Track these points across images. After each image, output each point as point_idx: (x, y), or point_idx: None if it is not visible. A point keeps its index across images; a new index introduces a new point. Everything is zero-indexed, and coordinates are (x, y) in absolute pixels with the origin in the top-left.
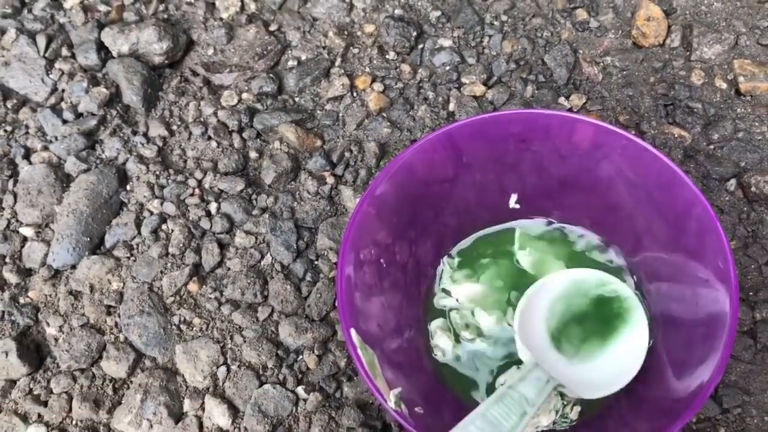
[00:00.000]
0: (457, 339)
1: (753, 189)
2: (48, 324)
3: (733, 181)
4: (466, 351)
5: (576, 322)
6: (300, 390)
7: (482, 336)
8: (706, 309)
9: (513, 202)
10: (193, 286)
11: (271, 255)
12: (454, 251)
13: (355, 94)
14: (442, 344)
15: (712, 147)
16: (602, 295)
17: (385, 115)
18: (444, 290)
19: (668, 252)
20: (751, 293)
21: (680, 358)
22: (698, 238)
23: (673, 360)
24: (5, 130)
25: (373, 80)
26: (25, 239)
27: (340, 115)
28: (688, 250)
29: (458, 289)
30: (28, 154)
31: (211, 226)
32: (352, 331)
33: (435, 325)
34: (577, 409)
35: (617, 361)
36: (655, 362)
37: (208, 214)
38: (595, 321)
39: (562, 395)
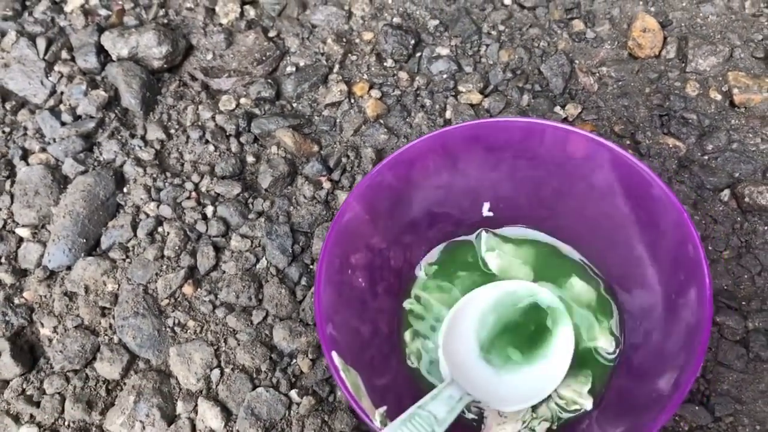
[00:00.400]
0: (425, 347)
1: (746, 200)
2: (42, 325)
3: (726, 192)
4: (431, 360)
5: (506, 333)
6: (293, 394)
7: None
8: (682, 309)
9: (486, 210)
10: (188, 289)
11: (266, 259)
12: (432, 258)
13: (352, 100)
14: (414, 352)
15: (706, 157)
16: (532, 307)
17: (382, 121)
18: (416, 296)
19: (643, 255)
20: (743, 303)
21: (654, 362)
22: (669, 231)
23: (646, 365)
24: (3, 131)
25: (371, 87)
26: (21, 240)
27: (338, 120)
28: (658, 247)
29: (428, 297)
30: (25, 155)
31: (207, 230)
32: (334, 354)
33: (408, 332)
34: (546, 425)
35: (542, 371)
36: (627, 369)
37: (204, 217)
38: (523, 332)
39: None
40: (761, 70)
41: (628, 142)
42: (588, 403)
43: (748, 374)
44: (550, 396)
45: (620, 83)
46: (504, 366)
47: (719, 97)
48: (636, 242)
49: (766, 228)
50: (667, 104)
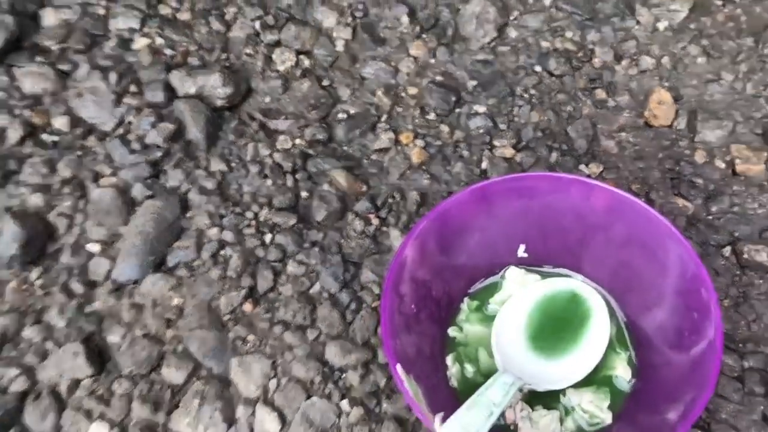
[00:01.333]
0: (465, 371)
1: (745, 256)
2: (111, 332)
3: (728, 248)
4: (470, 384)
5: (551, 323)
6: (344, 404)
7: (481, 374)
8: (693, 345)
9: (521, 251)
10: (248, 307)
11: (319, 284)
12: (473, 292)
13: (399, 147)
14: (455, 375)
15: (711, 217)
16: (571, 298)
17: (425, 168)
18: (458, 325)
19: (659, 297)
20: (741, 345)
21: (665, 391)
22: (684, 277)
23: (657, 394)
24: (77, 155)
25: (416, 137)
26: (91, 254)
27: (385, 165)
28: (673, 290)
29: (469, 328)
30: (96, 178)
31: (265, 255)
32: (398, 367)
33: (450, 357)
34: None
35: (584, 355)
36: (640, 396)
37: (263, 243)
38: (566, 320)
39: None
40: (760, 144)
41: (643, 200)
42: (608, 418)
43: (743, 406)
44: (574, 409)
45: (637, 148)
46: (551, 351)
47: (723, 166)
48: (653, 286)
49: (761, 282)
50: (678, 169)
